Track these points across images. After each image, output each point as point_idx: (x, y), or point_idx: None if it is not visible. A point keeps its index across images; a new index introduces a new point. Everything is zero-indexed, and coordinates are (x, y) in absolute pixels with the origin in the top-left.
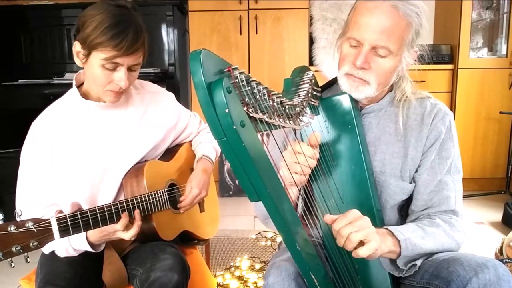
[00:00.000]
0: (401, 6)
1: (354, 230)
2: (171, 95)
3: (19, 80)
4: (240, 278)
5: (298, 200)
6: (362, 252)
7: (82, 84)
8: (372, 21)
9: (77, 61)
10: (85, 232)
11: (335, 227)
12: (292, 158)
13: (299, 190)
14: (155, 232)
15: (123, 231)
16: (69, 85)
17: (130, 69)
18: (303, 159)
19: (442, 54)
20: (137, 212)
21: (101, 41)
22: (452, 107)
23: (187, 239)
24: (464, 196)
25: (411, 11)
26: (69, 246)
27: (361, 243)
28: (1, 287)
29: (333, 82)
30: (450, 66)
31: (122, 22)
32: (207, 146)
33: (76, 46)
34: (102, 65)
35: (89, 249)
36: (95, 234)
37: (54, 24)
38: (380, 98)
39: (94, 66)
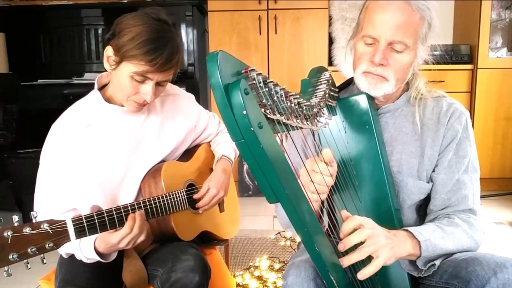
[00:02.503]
0: (413, 0)
1: (367, 244)
2: (191, 97)
3: (39, 80)
4: (259, 278)
5: (322, 214)
6: (370, 270)
7: (103, 86)
8: (387, 17)
9: (106, 66)
10: (93, 244)
11: (348, 243)
12: (310, 178)
13: (322, 203)
14: (174, 232)
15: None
16: (89, 85)
17: (158, 83)
18: (321, 178)
19: (461, 54)
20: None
21: (135, 54)
22: (471, 107)
23: (207, 239)
24: (483, 196)
25: (422, 5)
26: (81, 255)
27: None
28: (21, 287)
29: (350, 82)
30: (469, 66)
31: (160, 38)
32: (226, 146)
33: (108, 51)
34: (131, 76)
35: (99, 259)
36: (102, 245)
37: (73, 24)
38: (396, 98)
39: (123, 75)
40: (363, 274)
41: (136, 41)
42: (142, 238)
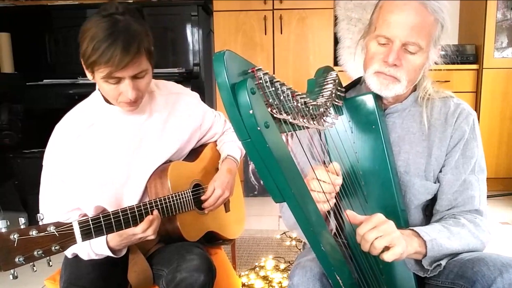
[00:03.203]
0: (429, 2)
1: (379, 235)
2: (196, 95)
3: (44, 80)
4: (265, 278)
5: (329, 216)
6: (387, 257)
7: None
8: (402, 18)
9: (89, 76)
10: (105, 238)
11: (360, 232)
12: (315, 188)
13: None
14: (179, 232)
15: (143, 232)
16: (94, 85)
17: (135, 77)
18: (326, 188)
19: (467, 54)
20: (155, 212)
21: (93, 60)
22: (477, 107)
23: (212, 239)
24: (489, 196)
25: (437, 8)
26: (91, 251)
27: (386, 248)
28: (26, 287)
29: (357, 82)
30: (474, 66)
31: (110, 35)
32: (232, 146)
33: (83, 63)
34: (105, 81)
35: (110, 254)
36: (115, 239)
37: (79, 24)
38: (404, 98)
39: (99, 81)
40: (381, 257)
41: (90, 46)
42: (152, 237)
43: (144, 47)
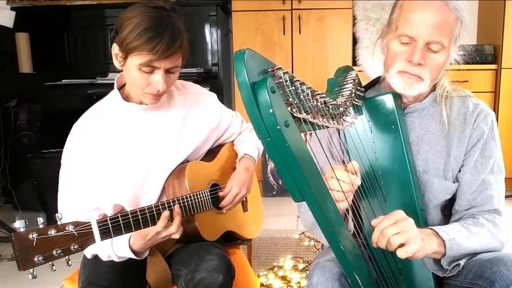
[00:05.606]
0: (450, 0)
1: (397, 231)
2: (213, 96)
3: (63, 80)
4: (283, 278)
5: (348, 214)
6: (399, 253)
7: (123, 85)
8: (425, 17)
9: (116, 63)
10: (128, 241)
11: (379, 227)
12: (332, 187)
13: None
14: (197, 232)
15: (165, 229)
16: (113, 85)
17: (168, 71)
18: (344, 187)
19: (486, 54)
20: (176, 206)
21: (136, 44)
22: (496, 107)
23: (231, 239)
24: (507, 196)
25: (458, 6)
26: (112, 253)
27: (402, 245)
28: (44, 287)
29: (376, 81)
30: (493, 66)
31: (159, 25)
32: (249, 145)
33: (115, 48)
34: (139, 68)
35: (133, 256)
36: (138, 242)
37: (97, 24)
38: (424, 97)
39: (132, 68)
40: (398, 254)
41: (135, 32)
42: (177, 235)
43: (184, 45)
